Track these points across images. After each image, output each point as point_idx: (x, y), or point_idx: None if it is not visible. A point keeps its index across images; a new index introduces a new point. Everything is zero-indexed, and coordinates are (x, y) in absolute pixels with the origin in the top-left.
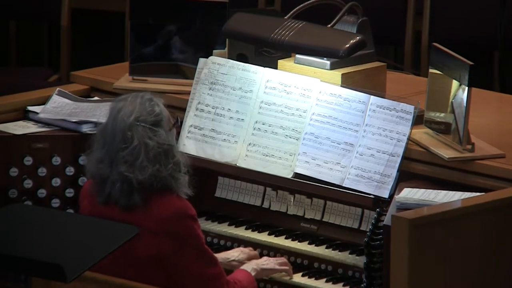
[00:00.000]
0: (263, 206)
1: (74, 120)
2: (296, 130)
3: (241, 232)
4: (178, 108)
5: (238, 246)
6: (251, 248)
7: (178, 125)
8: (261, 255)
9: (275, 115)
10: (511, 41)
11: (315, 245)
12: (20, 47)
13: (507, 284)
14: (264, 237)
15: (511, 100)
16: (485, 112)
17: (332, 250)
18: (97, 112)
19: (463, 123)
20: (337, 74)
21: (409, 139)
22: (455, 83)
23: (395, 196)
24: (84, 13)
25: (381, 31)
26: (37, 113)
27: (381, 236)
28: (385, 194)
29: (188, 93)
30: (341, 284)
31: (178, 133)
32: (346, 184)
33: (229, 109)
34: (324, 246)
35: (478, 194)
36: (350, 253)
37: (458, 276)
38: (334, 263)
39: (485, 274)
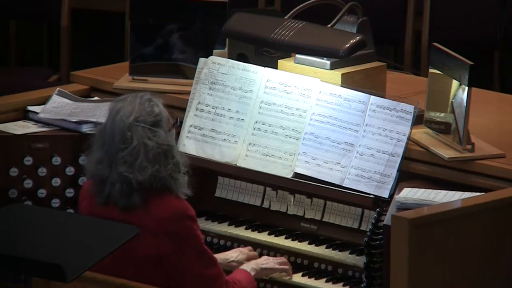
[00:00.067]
0: (263, 206)
1: (74, 120)
2: (296, 130)
3: (241, 232)
4: (178, 108)
5: (238, 246)
6: (250, 248)
7: (177, 125)
8: (261, 255)
9: (275, 115)
10: (511, 41)
11: (315, 245)
12: (20, 47)
13: (507, 284)
14: (264, 237)
15: (511, 100)
16: (485, 112)
17: (332, 250)
18: (97, 112)
19: (463, 123)
20: (337, 74)
21: (409, 139)
22: (455, 83)
23: (395, 196)
24: (84, 13)
25: (381, 31)
26: (37, 113)
27: (381, 236)
28: (385, 194)
29: (188, 93)
30: (341, 284)
31: (178, 134)
32: (346, 184)
33: (229, 109)
34: (324, 246)
35: (478, 194)
36: (350, 253)
37: (458, 276)
38: (334, 263)
39: (485, 274)
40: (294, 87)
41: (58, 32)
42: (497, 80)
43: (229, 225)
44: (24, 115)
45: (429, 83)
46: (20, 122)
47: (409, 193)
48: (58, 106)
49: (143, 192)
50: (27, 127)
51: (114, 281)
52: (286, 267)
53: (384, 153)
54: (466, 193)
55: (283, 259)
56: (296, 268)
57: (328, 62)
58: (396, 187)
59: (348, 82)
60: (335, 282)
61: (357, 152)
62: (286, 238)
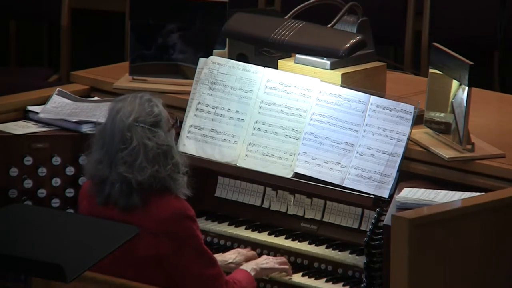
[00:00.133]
0: (263, 206)
1: (74, 120)
2: (296, 130)
3: (241, 232)
4: (178, 108)
5: (238, 246)
6: (248, 249)
7: (177, 126)
8: (261, 255)
9: (275, 115)
10: (511, 41)
11: (315, 245)
12: (20, 47)
13: (507, 284)
14: (264, 237)
15: (511, 100)
16: (485, 112)
17: (332, 250)
18: (97, 112)
19: (463, 123)
20: (337, 74)
21: (409, 139)
22: (455, 83)
23: (395, 196)
24: (84, 13)
25: (381, 31)
26: (37, 113)
27: (381, 236)
28: (385, 194)
29: (188, 93)
30: (341, 284)
31: (178, 134)
32: (346, 184)
33: (229, 109)
34: (324, 246)
35: (478, 194)
36: (350, 253)
37: (458, 276)
38: (334, 263)
39: (485, 274)
40: (294, 87)
41: (58, 32)
42: (497, 80)
43: (229, 225)
44: (24, 115)
45: (429, 83)
46: (20, 122)
47: (409, 193)
48: (58, 106)
49: (143, 192)
50: (27, 127)
51: (114, 281)
52: (286, 266)
53: (384, 153)
54: (466, 193)
55: (282, 258)
56: (296, 268)
57: (328, 62)
58: (396, 187)
59: (348, 82)
60: (335, 282)
61: (357, 152)
62: (286, 238)
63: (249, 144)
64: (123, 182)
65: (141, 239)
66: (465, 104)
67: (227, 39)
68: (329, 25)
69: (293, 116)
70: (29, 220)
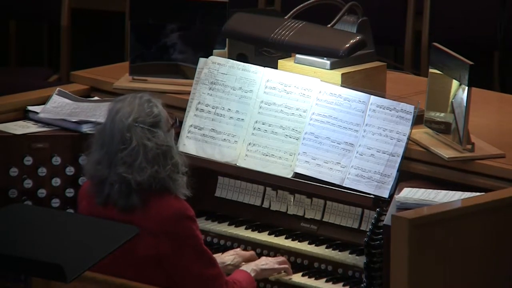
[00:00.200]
0: (263, 206)
1: (74, 120)
2: (296, 130)
3: (241, 232)
4: (178, 108)
5: (238, 246)
6: (247, 252)
7: (176, 126)
8: (261, 255)
9: (275, 115)
10: (511, 41)
11: (315, 245)
12: (20, 47)
13: (507, 284)
14: (264, 237)
15: (511, 100)
16: (485, 112)
17: (332, 250)
18: (97, 112)
19: (463, 123)
20: (337, 74)
21: (409, 139)
22: (455, 83)
23: (395, 196)
24: (84, 13)
25: (381, 31)
26: (37, 113)
27: (381, 236)
28: (385, 194)
29: (188, 93)
30: (341, 284)
31: (177, 134)
32: (346, 184)
33: (229, 109)
34: (324, 246)
35: (478, 194)
36: (350, 253)
37: (458, 276)
38: (334, 263)
39: (485, 274)
40: (294, 87)
41: (58, 32)
42: (497, 80)
43: (229, 225)
44: (24, 115)
45: (429, 83)
46: (20, 122)
47: (409, 193)
48: (58, 106)
49: (142, 192)
50: (27, 127)
51: (114, 281)
52: (286, 265)
53: (384, 153)
54: (466, 193)
55: (282, 258)
56: (296, 268)
57: (328, 62)
58: (396, 187)
59: (348, 82)
60: (335, 282)
61: (357, 152)
62: (286, 238)
63: (249, 144)
64: (122, 182)
65: (141, 239)
66: (465, 104)
67: (227, 39)
68: (329, 25)
69: (293, 116)
70: (29, 220)
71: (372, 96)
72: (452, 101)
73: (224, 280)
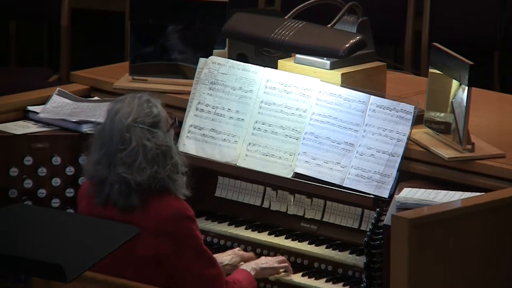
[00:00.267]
0: (263, 206)
1: (74, 120)
2: (296, 130)
3: (241, 232)
4: (178, 108)
5: (238, 246)
6: (245, 253)
7: (176, 126)
8: (261, 255)
9: (275, 115)
10: (511, 41)
11: (315, 245)
12: (20, 47)
13: (507, 284)
14: (264, 237)
15: (511, 100)
16: (485, 112)
17: (332, 250)
18: (97, 112)
19: (463, 123)
20: (337, 74)
21: (409, 139)
22: (455, 83)
23: (395, 196)
24: (84, 13)
25: (381, 31)
26: (37, 113)
27: (381, 236)
28: (385, 194)
29: (188, 93)
30: (341, 284)
31: (177, 134)
32: (346, 184)
33: (229, 109)
34: (324, 246)
35: (478, 194)
36: (350, 253)
37: (458, 276)
38: (334, 263)
39: (485, 274)
40: (294, 87)
41: (58, 32)
42: (497, 80)
43: (229, 225)
44: (24, 115)
45: (429, 83)
46: (20, 122)
47: (409, 193)
48: (58, 106)
49: (142, 193)
50: (27, 127)
51: (114, 281)
52: (286, 264)
53: (384, 153)
54: (466, 193)
55: (281, 257)
56: (296, 268)
57: (328, 62)
58: (396, 187)
59: (348, 82)
60: (335, 282)
61: (357, 152)
62: (286, 238)
63: (249, 144)
64: (122, 183)
65: (141, 239)
66: (465, 104)
67: (227, 39)
68: (329, 25)
69: (293, 116)
70: (29, 220)
71: (372, 96)
72: (452, 101)
73: (224, 280)
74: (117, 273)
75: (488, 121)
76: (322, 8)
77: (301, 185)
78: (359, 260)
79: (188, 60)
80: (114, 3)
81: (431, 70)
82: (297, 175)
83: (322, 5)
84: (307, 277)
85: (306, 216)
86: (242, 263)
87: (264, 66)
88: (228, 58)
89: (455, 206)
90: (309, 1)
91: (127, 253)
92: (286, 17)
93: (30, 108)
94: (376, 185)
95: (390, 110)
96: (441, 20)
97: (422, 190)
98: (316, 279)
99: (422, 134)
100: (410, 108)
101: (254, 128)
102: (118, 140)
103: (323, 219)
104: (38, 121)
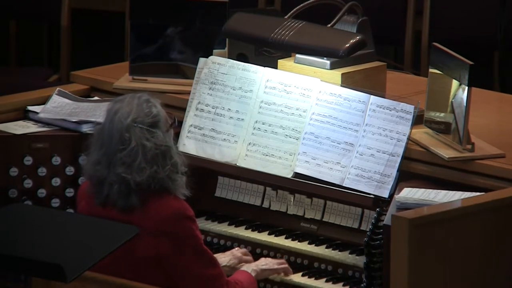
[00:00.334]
0: (263, 206)
1: (74, 120)
2: (296, 130)
3: (241, 232)
4: (178, 108)
5: (238, 246)
6: (245, 251)
7: (175, 126)
8: (261, 255)
9: (275, 114)
10: (511, 41)
11: (315, 245)
12: (20, 47)
13: (507, 284)
14: (264, 237)
15: (511, 100)
16: (485, 112)
17: (332, 250)
18: (97, 112)
19: (463, 123)
20: (337, 73)
21: (409, 139)
22: (455, 83)
23: (395, 196)
24: (84, 13)
25: (381, 31)
26: (37, 113)
27: (381, 236)
28: (385, 194)
29: (188, 93)
30: (341, 284)
31: (176, 134)
32: (346, 184)
33: (229, 109)
34: (324, 246)
35: (478, 194)
36: (350, 253)
37: (458, 276)
38: (334, 263)
39: (485, 274)
40: (294, 87)
41: (58, 32)
42: (497, 80)
43: (229, 225)
44: (24, 115)
45: (429, 83)
46: (20, 122)
47: (409, 193)
48: (58, 106)
49: (141, 193)
50: (27, 127)
51: (114, 281)
52: (286, 265)
53: (384, 153)
54: (466, 193)
55: (281, 260)
56: (296, 268)
57: (328, 62)
58: (396, 187)
59: (348, 82)
60: (335, 282)
61: (357, 152)
62: (286, 238)
63: (249, 144)
64: (121, 183)
65: (141, 239)
66: (465, 104)
67: (227, 39)
68: (329, 25)
69: (293, 116)
70: (29, 220)
71: (372, 96)
72: (452, 101)
73: (225, 280)
74: (117, 273)
75: (488, 121)
76: (322, 8)
77: (301, 185)
78: (359, 260)
79: (188, 60)
80: (114, 3)
81: (431, 70)
82: (297, 175)
83: (322, 5)
84: (307, 277)
85: (306, 216)
86: (240, 264)
87: (264, 66)
88: (228, 58)
89: (455, 206)
90: (309, 1)
91: (127, 253)
92: (286, 17)
93: (30, 108)
94: (376, 185)
95: (390, 110)
96: (441, 20)
97: (422, 190)
98: (316, 279)
99: (422, 134)
100: (410, 108)
101: (254, 128)
102: (118, 140)
103: (323, 219)
104: (38, 121)
